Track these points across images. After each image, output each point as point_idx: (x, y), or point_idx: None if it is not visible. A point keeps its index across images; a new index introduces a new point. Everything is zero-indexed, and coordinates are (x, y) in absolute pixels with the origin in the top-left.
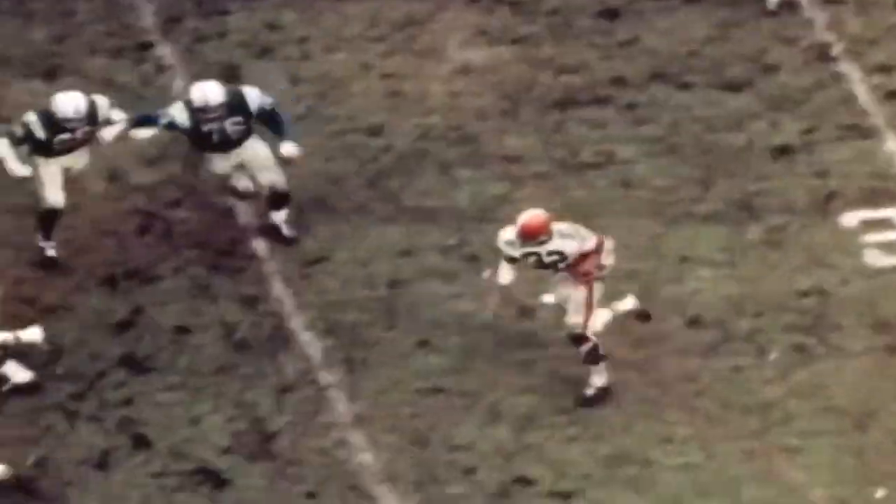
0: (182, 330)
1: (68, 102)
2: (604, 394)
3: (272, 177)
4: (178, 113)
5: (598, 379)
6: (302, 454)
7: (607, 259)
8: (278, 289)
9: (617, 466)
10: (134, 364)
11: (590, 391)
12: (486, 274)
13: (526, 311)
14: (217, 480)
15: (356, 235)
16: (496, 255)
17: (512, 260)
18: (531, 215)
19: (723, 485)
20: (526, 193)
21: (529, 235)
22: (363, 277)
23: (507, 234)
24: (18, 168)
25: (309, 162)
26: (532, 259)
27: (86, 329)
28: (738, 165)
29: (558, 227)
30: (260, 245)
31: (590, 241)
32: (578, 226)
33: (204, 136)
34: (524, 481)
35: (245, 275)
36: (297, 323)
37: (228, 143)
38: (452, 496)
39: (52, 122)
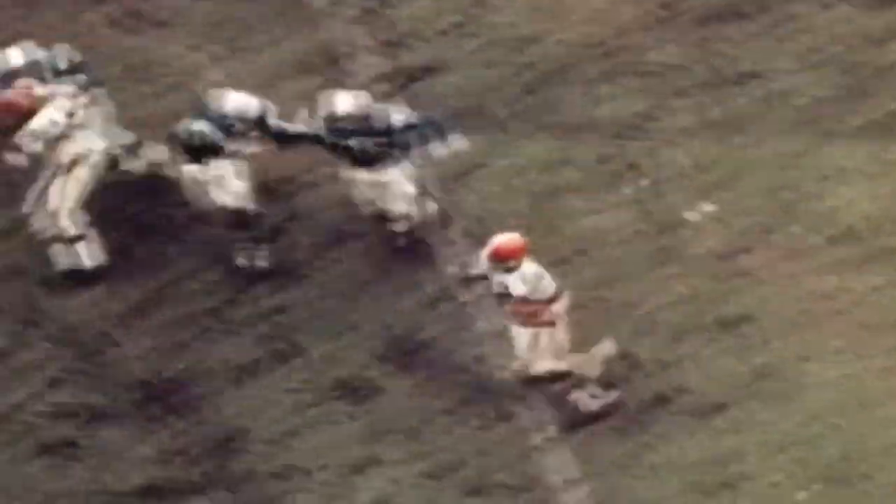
0: (336, 237)
1: (236, 101)
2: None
3: (404, 208)
4: (315, 125)
5: (593, 402)
6: (450, 366)
7: (548, 316)
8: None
9: (766, 379)
10: (287, 271)
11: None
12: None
13: (670, 226)
14: (367, 389)
15: (502, 149)
16: (642, 169)
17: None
18: (508, 238)
19: (868, 400)
20: (675, 107)
21: (500, 258)
22: (519, 185)
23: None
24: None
25: (465, 70)
26: (482, 281)
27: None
28: (885, 82)
29: (528, 266)
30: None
31: (546, 293)
32: (545, 273)
33: (338, 150)
34: (669, 396)
35: None
36: (443, 234)
37: (366, 160)
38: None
39: (223, 124)
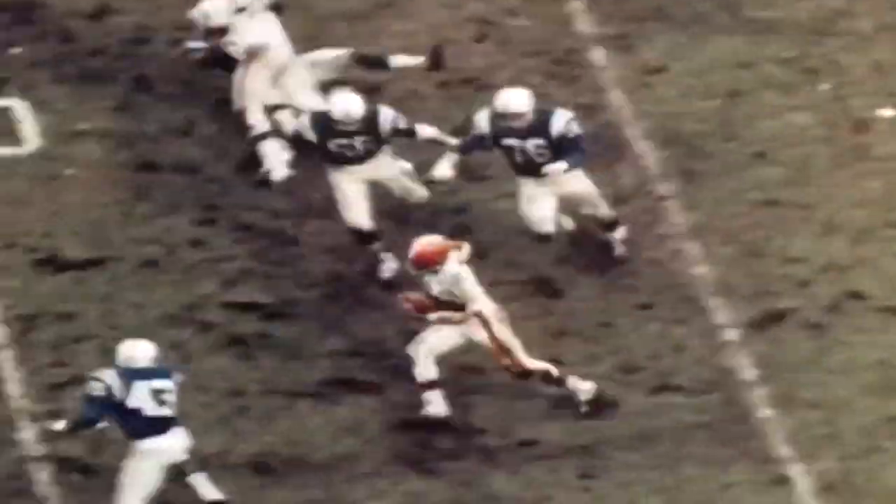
0: None
1: (342, 104)
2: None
3: (597, 209)
4: (482, 121)
5: (583, 391)
6: (636, 265)
7: (433, 317)
8: (616, 98)
9: None
10: (468, 171)
11: (583, 408)
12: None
13: (861, 125)
14: (550, 290)
15: (695, 46)
16: (834, 67)
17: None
18: (426, 243)
19: None
20: (865, 7)
21: (420, 264)
22: (701, 88)
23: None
24: (279, 168)
25: None
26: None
27: None
28: None
29: (450, 266)
30: (597, 54)
31: (462, 297)
32: (463, 278)
33: (506, 151)
34: (856, 296)
35: (581, 84)
36: (633, 133)
37: (532, 168)
38: (785, 309)
39: (327, 125)
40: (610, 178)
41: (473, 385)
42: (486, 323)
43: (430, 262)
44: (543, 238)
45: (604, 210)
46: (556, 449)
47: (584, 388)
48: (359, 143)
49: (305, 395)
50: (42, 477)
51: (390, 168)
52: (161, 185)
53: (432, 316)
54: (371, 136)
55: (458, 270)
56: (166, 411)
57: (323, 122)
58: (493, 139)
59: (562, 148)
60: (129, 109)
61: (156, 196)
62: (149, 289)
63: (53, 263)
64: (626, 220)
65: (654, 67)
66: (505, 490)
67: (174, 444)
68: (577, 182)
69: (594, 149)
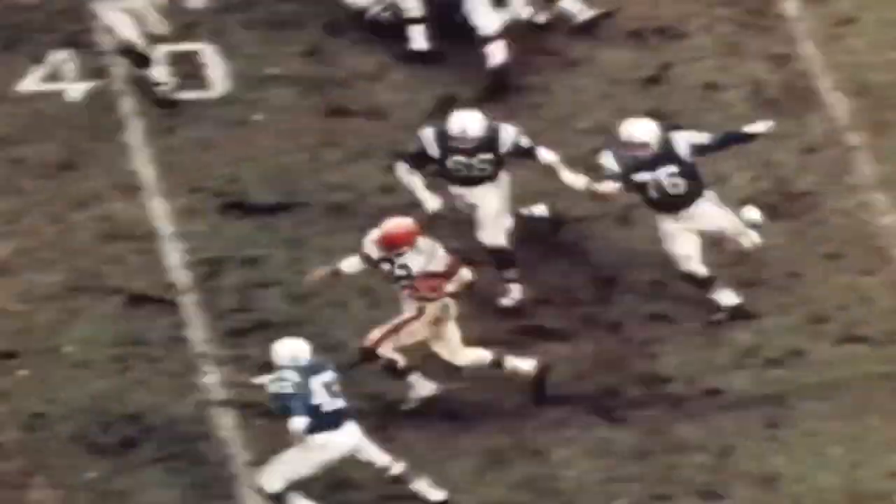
0: (710, 87)
1: (461, 120)
2: (428, 403)
3: (740, 238)
4: (608, 161)
5: (419, 390)
6: (825, 215)
7: (451, 287)
8: (808, 48)
9: None
10: (660, 118)
11: (409, 405)
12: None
13: None
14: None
15: None
16: None
17: (368, 259)
18: (396, 224)
19: None
20: None
21: (389, 244)
22: (892, 39)
23: (374, 234)
24: (429, 199)
25: None
26: (385, 268)
27: (611, 83)
28: None
29: (419, 242)
30: (790, 5)
31: (438, 263)
32: (437, 245)
33: (639, 188)
34: None
35: (774, 34)
36: (825, 83)
37: (668, 203)
38: None
39: (446, 142)
40: (800, 128)
41: (660, 334)
42: (466, 285)
43: (399, 242)
44: (694, 279)
45: (748, 239)
46: (742, 398)
47: (423, 390)
48: (477, 162)
49: (496, 344)
50: (225, 421)
51: (493, 203)
52: (351, 130)
53: (449, 286)
54: (491, 155)
55: (430, 241)
56: (340, 403)
57: (442, 138)
58: (624, 176)
59: (707, 152)
60: (318, 55)
61: (345, 142)
62: (337, 234)
63: (240, 208)
64: (815, 171)
65: (845, 18)
66: (691, 438)
67: (346, 439)
68: (713, 217)
69: (737, 135)
